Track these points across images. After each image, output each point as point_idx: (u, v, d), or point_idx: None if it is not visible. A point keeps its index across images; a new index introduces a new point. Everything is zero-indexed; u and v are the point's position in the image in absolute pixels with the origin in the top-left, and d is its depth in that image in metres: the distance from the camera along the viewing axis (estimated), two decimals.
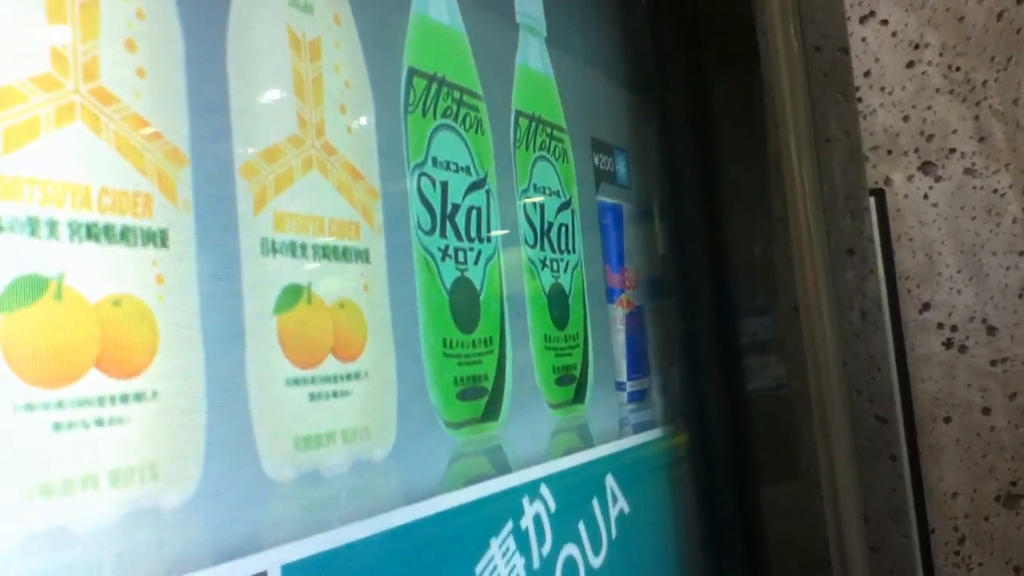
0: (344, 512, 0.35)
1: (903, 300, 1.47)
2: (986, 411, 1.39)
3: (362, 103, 0.40)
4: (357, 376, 0.37)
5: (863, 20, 1.54)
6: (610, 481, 0.55)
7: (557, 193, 0.55)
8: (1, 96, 0.25)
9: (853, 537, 0.95)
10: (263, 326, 0.32)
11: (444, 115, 0.45)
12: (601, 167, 0.62)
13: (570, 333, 0.54)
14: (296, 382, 0.34)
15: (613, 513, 0.55)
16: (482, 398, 0.45)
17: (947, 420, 1.41)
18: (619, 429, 0.60)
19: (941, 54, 1.47)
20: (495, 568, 0.43)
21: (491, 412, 0.46)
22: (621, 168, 0.64)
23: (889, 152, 1.48)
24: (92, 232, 0.27)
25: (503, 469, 0.46)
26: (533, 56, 0.55)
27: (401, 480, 0.38)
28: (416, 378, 0.41)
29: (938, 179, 1.45)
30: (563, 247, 0.55)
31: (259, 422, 0.32)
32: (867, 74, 1.50)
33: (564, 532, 0.49)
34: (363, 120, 0.40)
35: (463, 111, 0.46)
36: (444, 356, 0.42)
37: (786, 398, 0.97)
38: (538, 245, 0.52)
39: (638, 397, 0.63)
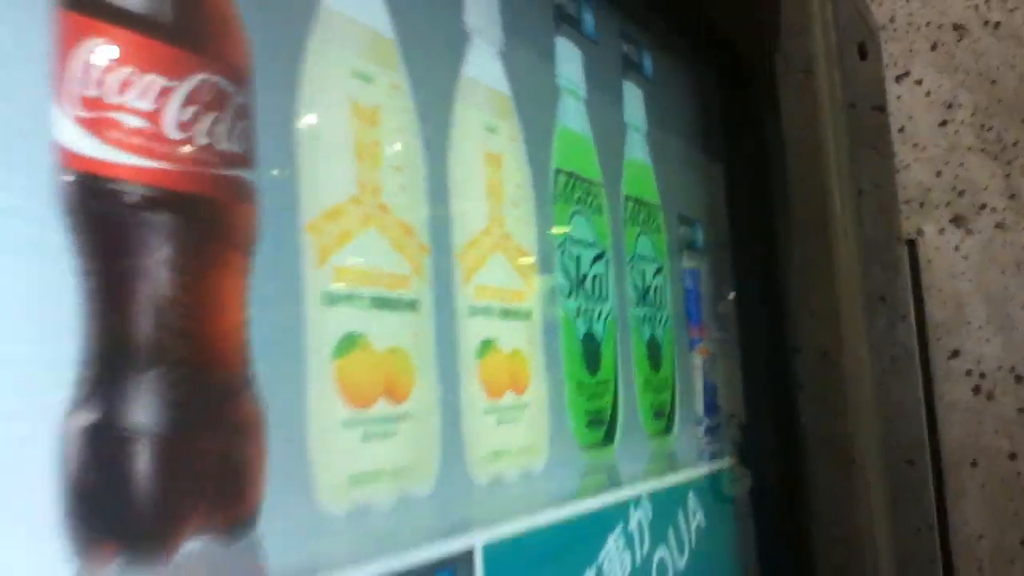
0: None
1: (932, 348, 1.54)
2: (1012, 456, 1.48)
3: (526, 197, 0.52)
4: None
5: (899, 79, 1.60)
6: (691, 499, 0.67)
7: (654, 260, 0.67)
8: (334, 212, 0.37)
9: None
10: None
11: (577, 203, 0.57)
12: (684, 237, 0.74)
13: (663, 376, 0.66)
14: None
15: (692, 525, 0.66)
16: (602, 427, 0.57)
17: (974, 464, 1.49)
18: (697, 457, 0.71)
19: (973, 114, 1.57)
20: (611, 558, 0.55)
21: (608, 438, 0.58)
22: (698, 237, 0.76)
23: (921, 205, 1.58)
24: (380, 302, 0.39)
25: (616, 483, 0.58)
26: (638, 150, 0.67)
27: (555, 488, 0.50)
28: (558, 410, 0.53)
29: (969, 232, 1.56)
30: (658, 304, 0.67)
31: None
32: (901, 130, 1.59)
33: (658, 536, 0.61)
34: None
35: (590, 198, 0.59)
36: (579, 390, 0.54)
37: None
38: (642, 304, 0.64)
39: (712, 432, 0.75)
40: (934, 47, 1.63)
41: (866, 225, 1.30)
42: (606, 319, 0.58)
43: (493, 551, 0.43)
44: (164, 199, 0.29)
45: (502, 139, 0.50)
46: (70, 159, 0.27)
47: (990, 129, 1.56)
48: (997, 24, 1.59)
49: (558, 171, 0.55)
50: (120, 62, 0.28)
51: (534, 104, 0.53)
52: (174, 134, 0.29)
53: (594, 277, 0.58)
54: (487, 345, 0.46)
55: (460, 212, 0.45)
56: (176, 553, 0.28)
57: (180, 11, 0.30)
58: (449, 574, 0.41)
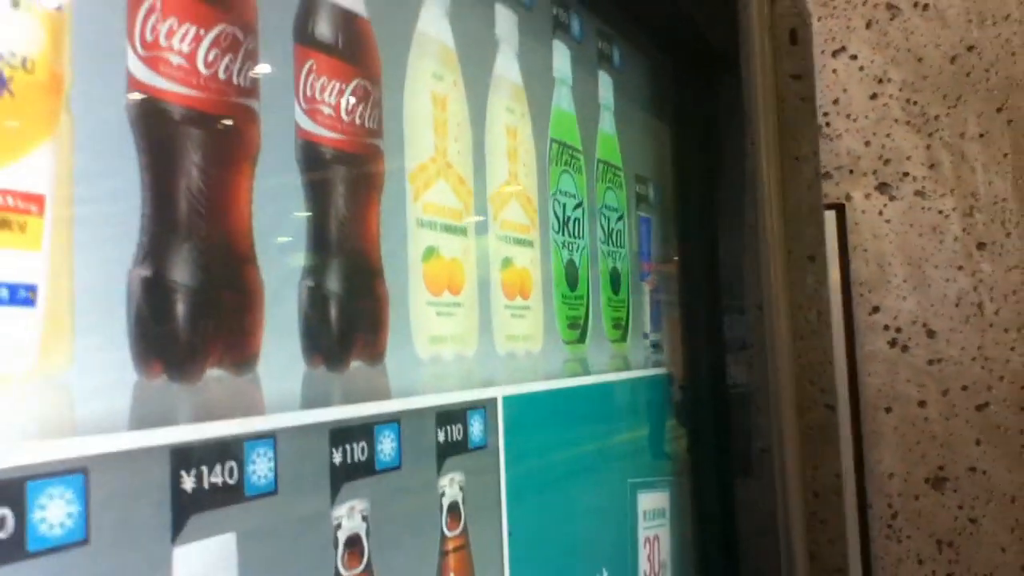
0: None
1: (855, 303, 1.55)
2: (922, 404, 1.52)
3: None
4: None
5: (835, 54, 1.60)
6: (637, 390, 0.89)
7: (616, 210, 0.88)
8: (422, 167, 0.57)
9: (797, 509, 1.07)
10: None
11: (565, 164, 0.78)
12: (640, 192, 0.95)
13: (621, 298, 0.87)
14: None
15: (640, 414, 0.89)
16: (578, 330, 0.78)
17: (888, 410, 1.53)
18: (644, 362, 0.93)
19: (901, 89, 1.57)
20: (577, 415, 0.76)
21: (582, 338, 0.79)
22: (652, 192, 0.98)
23: (851, 172, 1.58)
24: (446, 227, 0.60)
25: (586, 371, 0.79)
26: (607, 125, 0.87)
27: (547, 366, 0.71)
28: (550, 313, 0.74)
29: (892, 199, 1.56)
30: (619, 244, 0.88)
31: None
32: (836, 102, 1.58)
33: (617, 408, 0.83)
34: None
35: (573, 161, 0.79)
36: (563, 301, 0.76)
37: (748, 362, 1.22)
38: (607, 243, 0.85)
39: (655, 345, 0.97)
40: (868, 25, 1.65)
41: (798, 192, 1.43)
42: (582, 251, 0.79)
43: (509, 400, 0.65)
44: (196, 117, 0.40)
45: (517, 117, 0.70)
46: (135, 84, 0.38)
47: (915, 103, 1.59)
48: (926, 6, 1.61)
49: (552, 140, 0.76)
50: (166, 15, 0.39)
51: (539, 91, 0.73)
52: (203, 69, 0.40)
53: (575, 220, 0.78)
54: (508, 262, 0.67)
55: (491, 169, 0.66)
56: (202, 376, 0.40)
57: None
58: (482, 411, 0.62)
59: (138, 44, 0.38)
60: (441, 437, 0.56)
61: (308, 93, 0.47)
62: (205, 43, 0.40)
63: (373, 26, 0.53)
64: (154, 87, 0.38)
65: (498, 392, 0.63)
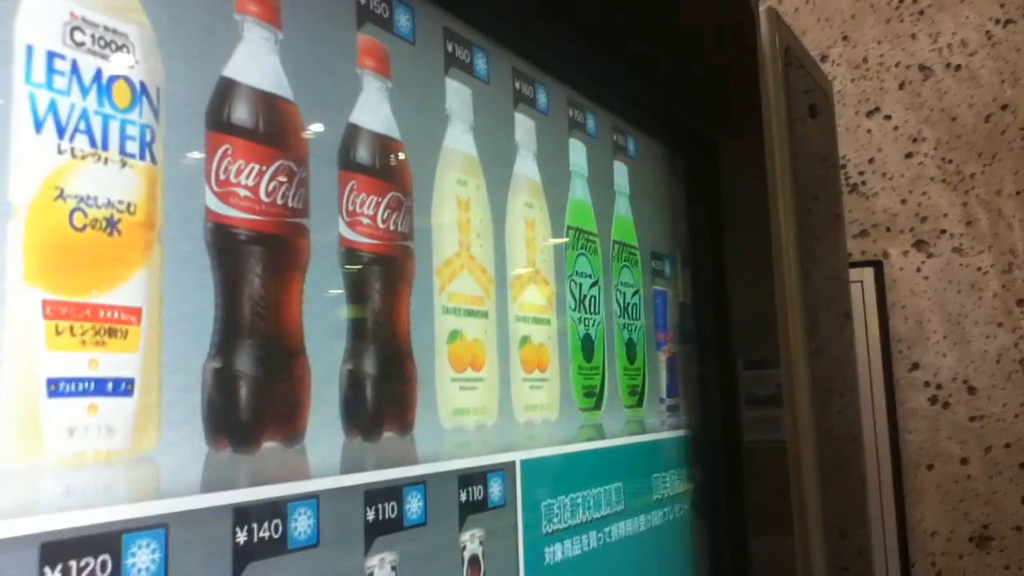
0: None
1: (895, 360, 1.62)
2: (964, 461, 1.58)
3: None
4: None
5: (869, 115, 1.70)
6: (651, 451, 0.96)
7: (631, 286, 0.97)
8: (448, 261, 0.66)
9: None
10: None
11: (581, 248, 0.87)
12: (655, 268, 1.03)
13: (637, 366, 0.95)
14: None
15: (655, 474, 0.96)
16: (594, 397, 0.86)
17: (930, 467, 1.59)
18: (660, 426, 1.00)
19: (936, 147, 1.64)
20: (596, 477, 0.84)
21: (597, 405, 0.87)
22: (667, 268, 1.06)
23: (888, 230, 1.66)
24: (469, 312, 0.68)
25: (601, 436, 0.87)
26: (623, 208, 0.96)
27: (563, 433, 0.79)
28: (567, 384, 0.82)
29: (930, 255, 1.63)
30: (634, 317, 0.96)
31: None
32: (871, 161, 1.68)
33: (630, 469, 0.90)
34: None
35: (589, 244, 0.88)
36: (579, 373, 0.84)
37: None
38: (623, 316, 0.93)
39: (672, 409, 1.04)
40: (902, 86, 1.71)
41: (829, 258, 1.47)
42: (598, 326, 0.87)
43: (526, 464, 0.73)
44: (258, 237, 0.49)
45: (536, 210, 0.79)
46: (211, 214, 0.47)
47: (950, 162, 1.64)
48: (958, 67, 1.67)
49: (569, 227, 0.85)
50: (235, 157, 0.48)
51: (555, 185, 0.83)
52: (265, 198, 0.50)
53: (591, 298, 0.87)
54: (526, 339, 0.75)
55: (511, 258, 0.75)
56: (260, 448, 0.48)
57: (268, 124, 0.51)
58: (501, 475, 0.70)
59: (214, 183, 0.48)
60: (463, 497, 0.64)
61: (350, 208, 0.57)
62: (266, 177, 0.50)
63: (406, 146, 0.63)
64: (226, 216, 0.48)
65: (516, 456, 0.71)
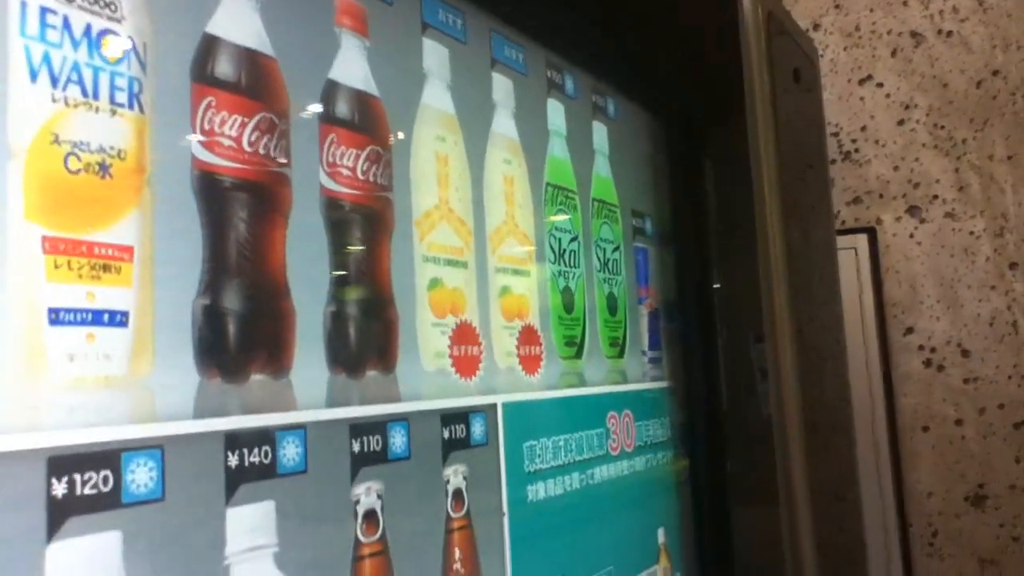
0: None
1: (889, 324, 1.63)
2: (958, 423, 1.59)
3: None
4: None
5: (861, 83, 1.69)
6: (635, 403, 1.00)
7: (612, 242, 1.00)
8: (427, 214, 0.70)
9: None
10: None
11: (560, 204, 0.90)
12: (636, 225, 1.07)
13: (618, 319, 0.99)
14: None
15: (634, 421, 1.00)
16: (575, 347, 0.90)
17: (925, 430, 1.60)
18: (642, 376, 1.04)
19: (928, 114, 1.64)
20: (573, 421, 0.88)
21: (578, 355, 0.91)
22: (648, 226, 1.09)
23: (880, 196, 1.66)
24: (449, 262, 0.72)
25: (583, 384, 0.91)
26: (602, 168, 0.99)
27: (545, 380, 0.83)
28: (548, 334, 0.85)
29: (923, 221, 1.63)
30: (615, 272, 0.99)
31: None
32: (863, 129, 1.68)
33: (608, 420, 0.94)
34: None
35: (568, 200, 0.92)
36: (559, 323, 0.87)
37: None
38: (604, 271, 0.97)
39: (654, 361, 1.08)
40: (894, 53, 1.71)
41: (816, 225, 1.48)
42: (577, 279, 0.91)
43: (508, 407, 0.76)
44: (241, 184, 0.53)
45: (514, 167, 0.82)
46: (197, 162, 0.50)
47: (942, 128, 1.64)
48: (950, 33, 1.66)
49: (548, 184, 0.88)
50: (219, 108, 0.52)
51: (534, 143, 0.86)
52: (248, 148, 0.53)
53: (571, 252, 0.90)
54: (506, 289, 0.79)
55: (489, 212, 0.78)
56: (248, 380, 0.52)
57: (249, 78, 0.54)
58: (483, 416, 0.74)
59: (199, 132, 0.51)
60: (446, 435, 0.68)
61: (330, 159, 0.60)
62: (248, 128, 0.54)
63: (384, 103, 0.66)
64: (211, 163, 0.52)
65: (498, 399, 0.75)
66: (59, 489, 0.41)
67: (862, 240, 1.64)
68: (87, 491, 0.43)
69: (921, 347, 1.62)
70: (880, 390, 1.60)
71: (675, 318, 1.11)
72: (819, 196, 1.41)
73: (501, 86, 0.81)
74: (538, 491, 0.79)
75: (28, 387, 0.41)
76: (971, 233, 1.61)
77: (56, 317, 0.42)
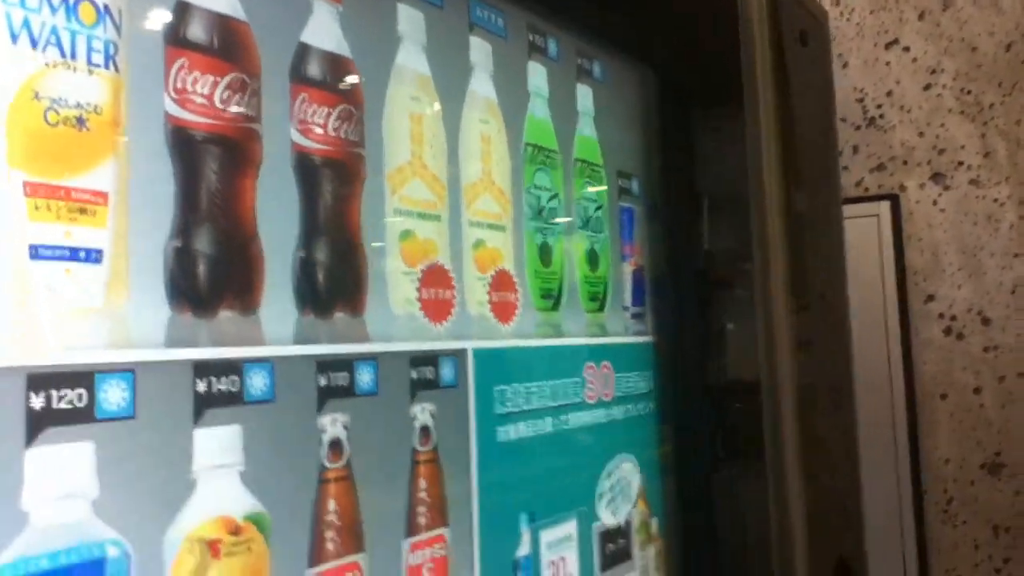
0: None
1: (910, 292, 1.63)
2: (977, 391, 1.60)
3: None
4: None
5: (887, 47, 1.70)
6: (614, 355, 1.05)
7: (595, 201, 1.04)
8: (399, 168, 0.74)
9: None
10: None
11: (540, 163, 0.94)
12: (622, 185, 1.11)
13: (599, 275, 1.03)
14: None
15: (613, 372, 1.04)
16: (551, 300, 0.95)
17: (943, 397, 1.61)
18: (623, 331, 1.09)
19: (955, 78, 1.64)
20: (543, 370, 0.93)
21: (555, 307, 0.95)
22: (634, 186, 1.13)
23: (904, 163, 1.66)
24: (421, 215, 0.77)
25: (559, 335, 0.96)
26: (587, 129, 1.03)
27: (519, 329, 0.88)
28: (523, 286, 0.90)
29: (947, 188, 1.64)
30: (597, 230, 1.04)
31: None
32: (889, 94, 1.68)
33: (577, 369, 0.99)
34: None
35: (548, 160, 0.96)
36: (536, 275, 0.92)
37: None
38: (585, 228, 1.01)
39: (637, 316, 1.12)
40: (921, 16, 1.69)
41: (824, 192, 1.48)
42: (556, 235, 0.95)
43: (478, 352, 0.82)
44: (213, 138, 0.57)
45: (491, 126, 0.87)
46: (170, 118, 0.55)
47: (969, 93, 1.63)
48: None
49: (527, 144, 0.92)
50: (191, 69, 0.56)
51: (512, 103, 0.90)
52: (219, 105, 0.58)
53: (550, 209, 0.95)
54: (480, 242, 0.84)
55: (465, 169, 0.83)
56: (217, 315, 0.57)
57: (221, 40, 0.58)
58: (453, 360, 0.79)
59: (172, 91, 0.57)
60: (414, 375, 0.74)
61: (300, 116, 0.65)
62: (220, 87, 0.59)
63: (357, 64, 0.71)
64: (183, 119, 0.57)
65: (468, 345, 0.80)
66: (37, 402, 0.47)
67: (885, 207, 1.65)
68: (63, 405, 0.49)
69: (942, 315, 1.64)
70: (899, 357, 1.62)
71: (661, 276, 1.15)
72: (825, 162, 1.41)
73: (479, 48, 0.85)
74: (508, 432, 0.84)
75: (12, 313, 0.47)
76: (995, 200, 1.61)
77: (36, 252, 0.48)
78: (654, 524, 1.08)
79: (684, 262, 1.20)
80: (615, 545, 0.99)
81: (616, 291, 1.06)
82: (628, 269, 1.10)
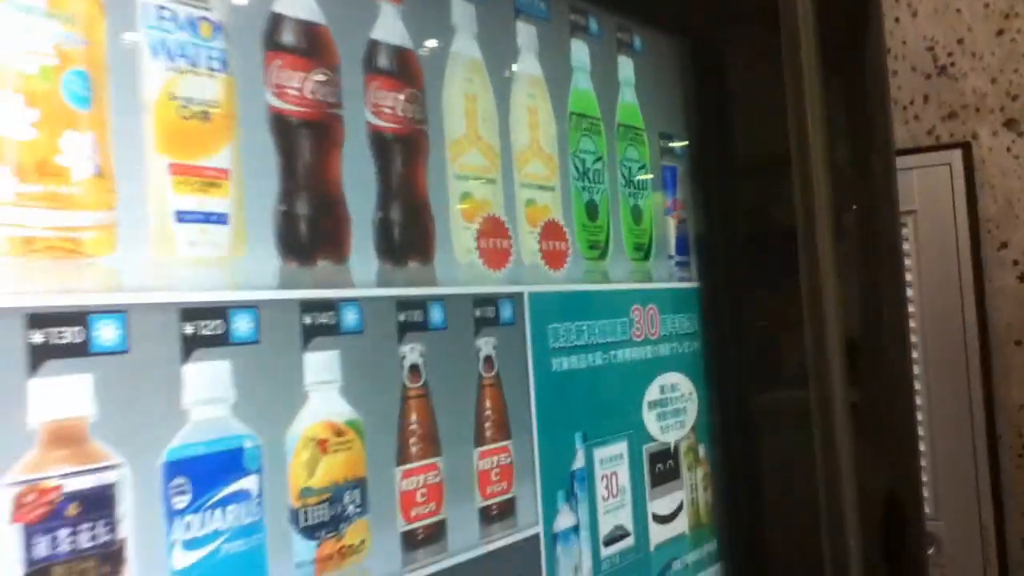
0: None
1: (983, 240, 1.65)
2: None
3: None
4: None
5: None
6: (660, 299, 1.17)
7: (638, 161, 1.16)
8: (458, 141, 0.88)
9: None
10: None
11: (584, 130, 1.07)
12: (663, 147, 1.22)
13: (643, 227, 1.16)
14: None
15: (659, 314, 1.17)
16: (598, 250, 1.08)
17: (1018, 343, 1.64)
18: (668, 277, 1.21)
19: None
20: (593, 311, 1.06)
21: (602, 256, 1.08)
22: (676, 145, 1.24)
23: (977, 111, 1.67)
24: (478, 179, 0.91)
25: (607, 281, 1.09)
26: (628, 96, 1.15)
27: (569, 275, 1.01)
28: (571, 237, 1.03)
29: (1020, 134, 1.64)
30: (641, 187, 1.16)
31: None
32: (960, 42, 1.69)
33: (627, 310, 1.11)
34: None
35: (592, 126, 1.08)
36: (583, 229, 1.05)
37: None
38: (629, 187, 1.13)
39: (681, 264, 1.24)
40: None
41: (874, 143, 1.52)
42: (602, 193, 1.08)
43: (534, 296, 0.95)
44: (305, 123, 0.70)
45: (537, 99, 1.00)
46: (271, 108, 0.69)
47: None
48: None
49: (572, 113, 1.05)
50: (284, 67, 0.73)
51: (557, 78, 1.03)
52: (308, 95, 0.73)
53: (595, 171, 1.07)
54: (531, 201, 0.97)
55: (515, 138, 0.96)
56: (317, 263, 0.71)
57: (307, 42, 0.72)
58: (512, 300, 0.93)
59: (271, 86, 0.71)
60: (477, 313, 0.88)
61: (374, 101, 0.80)
62: (309, 81, 0.73)
63: (417, 53, 0.85)
64: (280, 108, 0.72)
65: (525, 289, 0.94)
66: (189, 329, 0.63)
67: (957, 156, 1.65)
68: (206, 332, 0.64)
69: (1016, 262, 1.64)
70: (973, 304, 1.64)
71: (703, 227, 1.27)
72: (875, 113, 1.42)
73: (524, 32, 0.98)
74: (561, 363, 0.98)
75: (164, 262, 0.63)
76: None
77: (180, 217, 0.64)
78: (701, 449, 1.20)
79: (726, 215, 1.30)
80: (664, 466, 1.12)
81: (661, 242, 1.18)
82: (672, 222, 1.22)
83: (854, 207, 1.42)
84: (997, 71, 1.65)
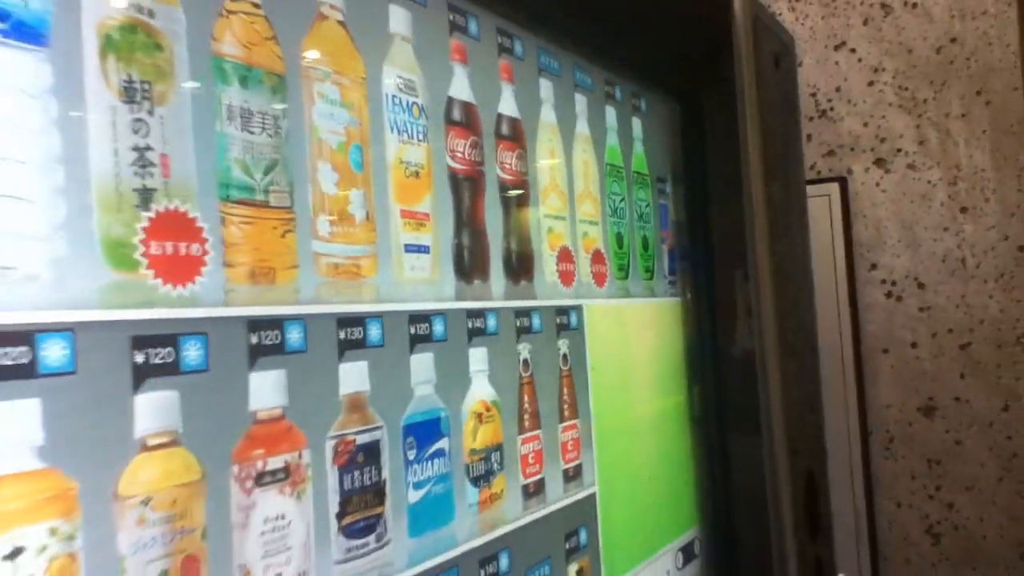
0: None
1: (856, 261, 1.81)
2: (914, 345, 1.78)
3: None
4: None
5: (837, 48, 1.87)
6: (661, 305, 1.47)
7: (644, 200, 1.46)
8: (544, 189, 1.15)
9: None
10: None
11: (614, 177, 1.36)
12: (660, 188, 1.52)
13: (649, 254, 1.45)
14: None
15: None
16: (624, 272, 1.36)
17: (885, 352, 1.78)
18: (663, 292, 1.51)
19: (894, 77, 1.81)
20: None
21: (626, 276, 1.37)
22: (667, 187, 1.55)
23: (852, 150, 1.83)
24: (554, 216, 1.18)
25: (628, 296, 1.37)
26: (639, 148, 1.45)
27: (608, 291, 1.29)
28: (609, 262, 1.32)
29: (887, 171, 1.81)
30: (647, 221, 1.45)
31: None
32: (838, 89, 1.86)
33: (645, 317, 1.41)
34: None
35: (618, 174, 1.37)
36: (615, 255, 1.34)
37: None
38: (639, 221, 1.43)
39: (672, 283, 1.54)
40: (865, 22, 1.86)
41: (793, 179, 1.82)
42: (625, 227, 1.37)
43: (590, 307, 1.23)
44: (466, 178, 1.00)
45: (588, 155, 1.28)
46: (448, 168, 0.95)
47: (906, 89, 1.81)
48: (915, 4, 1.81)
49: (608, 164, 1.33)
50: (455, 136, 0.99)
51: (598, 137, 1.31)
52: (468, 157, 1.01)
53: (620, 209, 1.36)
54: (585, 234, 1.25)
55: (576, 186, 1.24)
56: (472, 283, 1.02)
57: (465, 118, 1.07)
58: (576, 311, 1.20)
59: (448, 150, 0.97)
60: (558, 321, 1.15)
61: (499, 160, 1.06)
62: (466, 146, 0.99)
63: (523, 123, 1.11)
64: (453, 167, 0.97)
65: (584, 302, 1.22)
66: (412, 329, 0.88)
67: (835, 188, 1.85)
68: (420, 333, 0.89)
69: (884, 281, 1.81)
70: (848, 318, 1.80)
71: (685, 254, 1.58)
72: (794, 155, 1.69)
73: (580, 101, 1.26)
74: (608, 356, 1.26)
75: (399, 281, 0.87)
76: (929, 182, 1.79)
77: (406, 248, 0.89)
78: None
79: (699, 242, 1.62)
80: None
81: (659, 265, 1.48)
82: (665, 249, 1.52)
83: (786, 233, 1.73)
84: (868, 116, 1.85)
